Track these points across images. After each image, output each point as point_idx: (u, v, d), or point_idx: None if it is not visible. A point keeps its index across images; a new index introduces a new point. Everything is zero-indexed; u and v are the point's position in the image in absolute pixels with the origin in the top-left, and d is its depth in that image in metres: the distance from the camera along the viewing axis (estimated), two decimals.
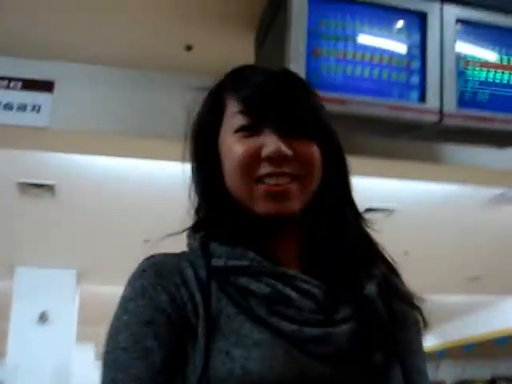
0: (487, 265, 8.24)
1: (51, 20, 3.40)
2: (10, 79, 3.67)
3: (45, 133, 3.70)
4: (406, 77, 2.84)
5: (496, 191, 5.74)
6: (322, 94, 1.17)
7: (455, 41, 2.92)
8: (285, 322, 0.96)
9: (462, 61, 2.93)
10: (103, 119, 3.75)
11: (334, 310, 0.99)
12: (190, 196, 1.12)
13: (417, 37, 2.86)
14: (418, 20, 2.88)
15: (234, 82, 1.11)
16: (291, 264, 1.05)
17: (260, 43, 3.18)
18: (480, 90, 2.94)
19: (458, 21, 2.93)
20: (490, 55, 2.99)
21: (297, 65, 2.64)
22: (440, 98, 2.85)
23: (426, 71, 2.85)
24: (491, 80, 2.96)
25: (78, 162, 5.00)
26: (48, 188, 5.56)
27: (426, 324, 1.12)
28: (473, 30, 2.98)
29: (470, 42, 2.99)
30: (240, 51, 3.21)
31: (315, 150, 1.06)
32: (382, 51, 2.84)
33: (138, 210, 6.14)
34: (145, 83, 3.81)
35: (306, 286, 1.00)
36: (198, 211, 1.12)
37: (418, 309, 1.12)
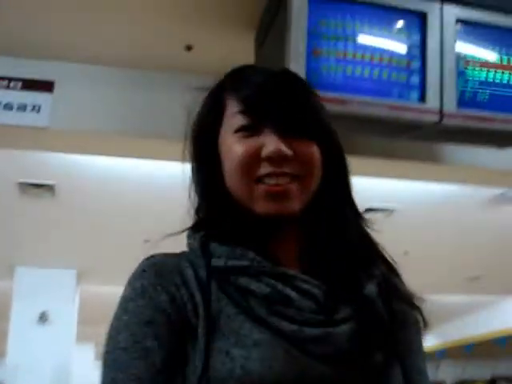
0: (487, 265, 8.24)
1: (51, 20, 3.40)
2: (10, 79, 3.67)
3: (45, 133, 3.71)
4: (406, 77, 2.84)
5: (496, 191, 5.75)
6: (321, 93, 1.17)
7: (455, 41, 2.92)
8: (285, 321, 0.96)
9: (462, 61, 2.93)
10: (103, 119, 3.75)
11: (334, 310, 0.99)
12: (189, 196, 1.12)
13: (417, 37, 2.86)
14: (418, 20, 2.88)
15: (234, 82, 1.11)
16: (291, 264, 1.05)
17: (260, 43, 3.18)
18: (480, 90, 2.94)
19: (458, 21, 2.93)
20: (489, 55, 2.99)
21: (297, 65, 2.64)
22: (440, 97, 2.85)
23: (426, 71, 2.85)
24: (491, 80, 2.96)
25: (77, 162, 5.01)
26: (48, 188, 5.57)
27: (426, 324, 1.12)
28: (473, 30, 2.98)
29: (470, 42, 2.99)
30: (240, 51, 3.21)
31: (315, 150, 1.06)
32: (382, 51, 2.83)
33: (138, 210, 6.14)
34: (145, 83, 3.81)
35: (306, 286, 1.00)
36: (197, 211, 1.12)
37: (418, 309, 1.11)
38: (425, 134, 3.05)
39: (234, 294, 0.99)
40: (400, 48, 2.87)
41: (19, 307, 8.15)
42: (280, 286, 0.98)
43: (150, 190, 5.60)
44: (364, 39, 2.83)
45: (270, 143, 1.02)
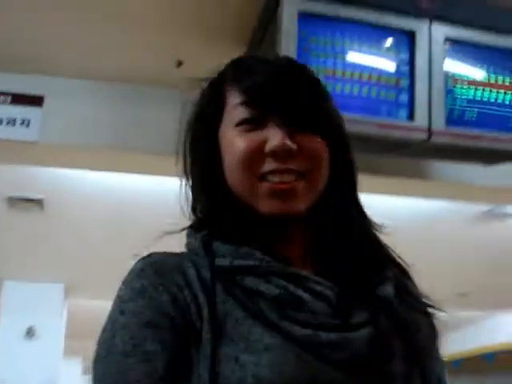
0: (475, 281, 8.25)
1: (40, 34, 3.40)
2: None
3: (34, 147, 3.70)
4: (395, 95, 2.85)
5: (483, 208, 5.76)
6: None
7: (444, 59, 2.93)
8: (298, 325, 0.89)
9: (451, 79, 2.95)
10: (92, 134, 3.75)
11: (349, 314, 0.93)
12: (186, 196, 1.06)
13: (406, 55, 2.88)
14: (407, 38, 2.90)
15: (236, 71, 1.05)
16: (300, 265, 0.98)
17: None
18: (468, 109, 2.96)
19: (447, 40, 2.95)
20: (477, 74, 3.02)
21: None
22: (428, 116, 2.86)
23: (414, 89, 2.86)
24: (479, 98, 2.98)
25: (67, 176, 4.99)
26: (37, 202, 5.54)
27: (437, 330, 1.06)
28: (461, 48, 3.00)
29: (459, 60, 3.01)
30: None
31: (322, 145, 1.00)
32: (371, 69, 2.85)
33: (127, 224, 6.12)
34: (134, 98, 3.81)
35: (318, 288, 0.94)
36: (195, 210, 1.06)
37: (433, 314, 1.06)
38: (413, 152, 3.06)
39: (240, 295, 0.92)
40: (389, 66, 2.89)
41: (6, 322, 8.08)
42: (292, 288, 0.92)
43: (140, 204, 5.59)
44: (353, 57, 2.84)
45: (274, 137, 0.96)
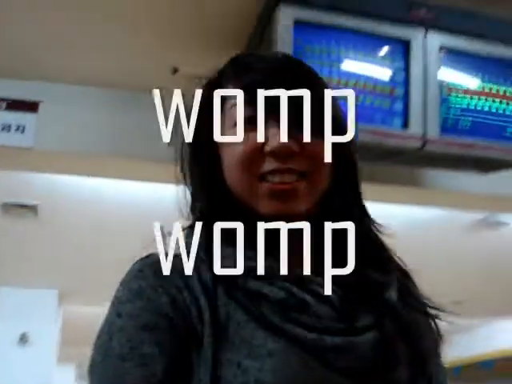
0: (470, 289, 8.25)
1: (37, 40, 3.40)
2: None
3: (29, 153, 3.69)
4: (390, 103, 2.86)
5: (477, 216, 5.76)
6: None
7: (438, 68, 2.95)
8: (302, 329, 0.87)
9: (445, 88, 2.96)
10: (88, 140, 3.74)
11: (354, 317, 0.91)
12: (185, 195, 1.04)
13: (400, 64, 2.89)
14: (402, 47, 2.91)
15: (235, 69, 1.04)
16: (301, 267, 0.96)
17: None
18: (462, 117, 2.97)
19: (442, 48, 2.96)
20: (472, 82, 3.03)
21: None
22: (423, 124, 2.87)
23: (409, 98, 2.87)
24: (473, 107, 2.99)
25: (62, 182, 4.98)
26: (31, 208, 5.53)
27: (440, 334, 1.06)
28: (456, 57, 3.01)
29: (453, 69, 3.02)
30: None
31: (323, 144, 0.97)
32: (366, 78, 2.86)
33: (122, 231, 6.10)
34: (131, 105, 3.81)
35: (322, 290, 0.91)
36: (193, 210, 1.04)
37: (435, 317, 1.06)
38: (407, 160, 3.07)
39: (242, 298, 0.89)
40: (384, 75, 2.90)
41: (0, 328, 8.06)
42: (295, 290, 0.90)
43: (135, 211, 5.57)
44: (348, 65, 2.85)
45: (275, 136, 0.94)
